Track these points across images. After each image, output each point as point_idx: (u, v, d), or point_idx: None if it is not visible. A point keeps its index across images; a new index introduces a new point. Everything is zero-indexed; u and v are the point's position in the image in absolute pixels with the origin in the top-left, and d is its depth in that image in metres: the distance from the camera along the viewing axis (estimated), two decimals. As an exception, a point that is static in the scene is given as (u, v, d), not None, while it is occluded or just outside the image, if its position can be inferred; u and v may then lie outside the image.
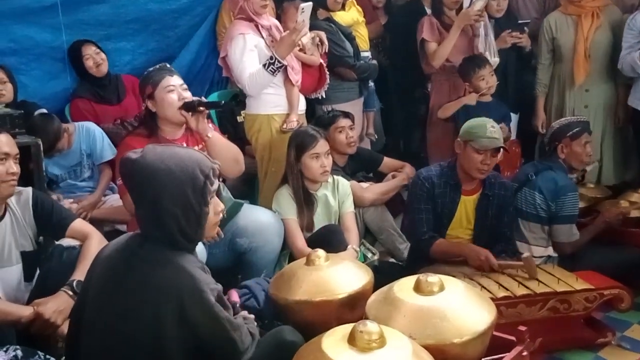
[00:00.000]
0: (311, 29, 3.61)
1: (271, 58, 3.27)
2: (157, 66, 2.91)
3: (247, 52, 3.28)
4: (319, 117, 3.85)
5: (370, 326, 1.74)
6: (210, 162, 1.87)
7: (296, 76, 3.44)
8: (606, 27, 3.98)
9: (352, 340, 1.74)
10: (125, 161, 1.84)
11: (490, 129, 2.95)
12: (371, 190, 3.54)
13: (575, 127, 3.29)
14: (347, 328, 1.79)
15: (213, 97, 4.33)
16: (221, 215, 1.95)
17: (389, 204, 3.67)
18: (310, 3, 3.33)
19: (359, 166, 3.82)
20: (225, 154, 2.88)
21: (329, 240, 3.01)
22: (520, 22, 4.34)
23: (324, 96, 3.84)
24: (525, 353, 2.16)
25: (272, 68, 3.26)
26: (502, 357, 2.11)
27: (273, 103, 3.44)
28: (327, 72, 3.74)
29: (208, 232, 1.91)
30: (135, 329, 1.75)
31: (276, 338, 1.99)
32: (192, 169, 1.80)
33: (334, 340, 1.77)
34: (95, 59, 3.89)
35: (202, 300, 1.75)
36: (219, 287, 1.84)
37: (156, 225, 1.80)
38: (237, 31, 3.31)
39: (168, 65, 2.96)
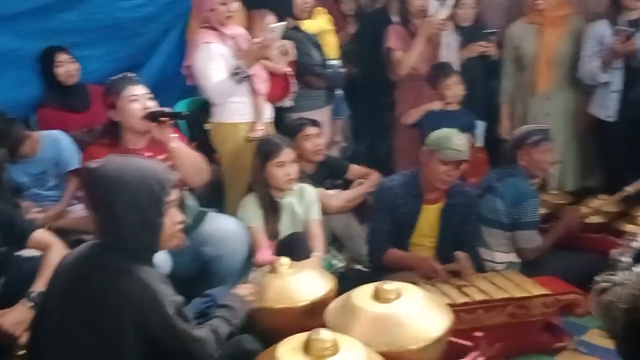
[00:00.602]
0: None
1: (237, 67, 3.29)
2: (120, 75, 2.91)
3: (212, 61, 3.30)
4: (287, 124, 3.88)
5: (324, 334, 1.78)
6: (167, 173, 1.89)
7: (262, 85, 3.47)
8: (568, 36, 4.06)
9: (306, 348, 1.77)
10: (85, 171, 1.88)
11: (457, 141, 2.98)
12: (337, 197, 3.58)
13: (535, 135, 3.35)
14: (301, 337, 1.83)
15: (182, 105, 4.32)
16: (179, 226, 1.97)
17: (356, 211, 3.71)
18: (283, 24, 3.39)
19: (327, 174, 3.85)
20: (190, 163, 2.90)
21: (293, 248, 3.04)
22: (486, 31, 4.42)
23: (290, 104, 3.87)
24: (480, 358, 2.21)
25: (238, 78, 3.29)
26: (458, 363, 2.16)
27: (239, 111, 3.46)
28: (293, 81, 3.77)
29: (166, 243, 1.93)
30: (95, 338, 1.77)
31: (235, 347, 2.02)
32: (148, 179, 1.83)
33: (288, 349, 1.81)
34: (68, 68, 3.87)
35: (160, 313, 1.77)
36: (179, 299, 1.86)
37: (113, 234, 1.82)
38: (202, 40, 3.33)
39: (131, 75, 2.96)
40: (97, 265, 1.82)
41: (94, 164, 1.86)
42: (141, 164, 1.89)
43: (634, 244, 1.00)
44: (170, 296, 1.81)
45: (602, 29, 3.84)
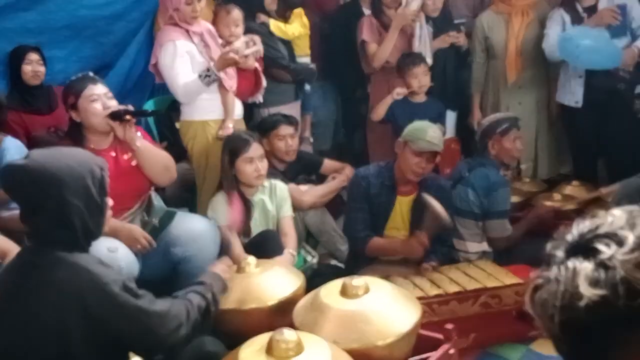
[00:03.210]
0: (244, 31, 3.59)
1: (208, 70, 3.24)
2: (80, 75, 2.86)
3: (178, 58, 3.24)
4: (262, 120, 3.82)
5: (287, 334, 1.74)
6: (96, 156, 1.90)
7: (230, 81, 3.40)
8: (536, 24, 4.06)
9: (269, 349, 1.74)
10: (12, 170, 1.75)
11: (432, 133, 2.97)
12: (310, 193, 3.53)
13: (504, 124, 3.35)
14: (265, 337, 1.79)
15: (149, 104, 4.26)
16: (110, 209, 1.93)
17: (330, 206, 3.67)
18: (245, 39, 3.44)
19: (300, 169, 3.80)
20: (155, 162, 2.85)
21: (265, 246, 3.01)
22: (456, 21, 4.40)
23: (261, 100, 3.82)
24: (452, 351, 2.19)
25: (208, 80, 3.24)
26: (429, 357, 2.14)
27: (207, 109, 3.40)
28: (263, 77, 3.71)
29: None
30: (40, 339, 1.68)
31: (197, 349, 1.97)
32: (88, 162, 1.80)
33: (251, 351, 1.77)
34: (36, 68, 3.78)
35: (105, 294, 1.68)
36: (123, 277, 1.79)
37: (62, 226, 1.73)
38: (167, 37, 3.27)
39: (91, 74, 2.90)
40: (32, 263, 1.74)
41: (19, 161, 1.77)
42: (72, 150, 1.89)
43: (568, 237, 0.93)
44: (112, 275, 1.72)
45: (562, 15, 3.87)
